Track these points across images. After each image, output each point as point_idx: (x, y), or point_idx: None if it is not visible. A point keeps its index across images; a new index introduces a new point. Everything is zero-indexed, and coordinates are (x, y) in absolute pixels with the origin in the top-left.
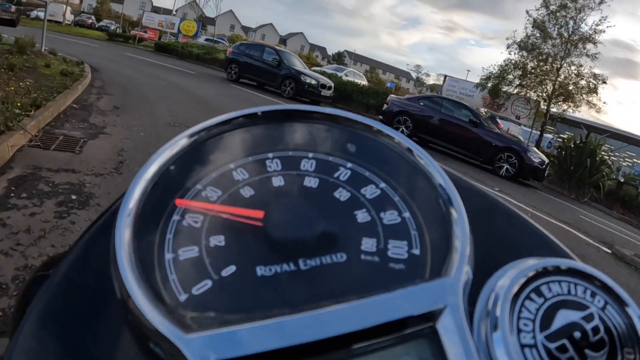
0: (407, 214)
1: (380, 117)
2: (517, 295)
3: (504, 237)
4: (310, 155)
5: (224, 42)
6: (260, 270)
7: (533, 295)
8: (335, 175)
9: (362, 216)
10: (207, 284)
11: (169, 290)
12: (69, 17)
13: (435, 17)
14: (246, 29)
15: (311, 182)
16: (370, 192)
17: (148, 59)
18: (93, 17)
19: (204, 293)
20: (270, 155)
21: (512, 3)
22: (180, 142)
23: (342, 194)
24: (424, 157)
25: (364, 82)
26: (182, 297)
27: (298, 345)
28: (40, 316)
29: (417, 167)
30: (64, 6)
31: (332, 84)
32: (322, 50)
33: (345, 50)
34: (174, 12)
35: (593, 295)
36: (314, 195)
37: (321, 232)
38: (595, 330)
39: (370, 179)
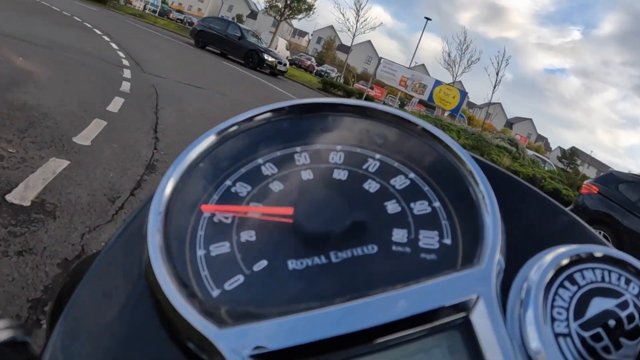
0: (437, 204)
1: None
2: (550, 284)
3: (536, 225)
4: (339, 147)
5: (463, 118)
6: (291, 264)
7: (566, 284)
8: (364, 166)
9: (392, 207)
10: (239, 279)
11: (201, 286)
12: (284, 52)
13: None
14: (470, 105)
15: (340, 174)
16: (399, 182)
17: None
18: (313, 59)
19: (236, 288)
20: (298, 149)
21: None
22: (209, 139)
23: (371, 186)
24: (452, 146)
25: None
26: (215, 293)
27: (331, 338)
28: (71, 319)
29: (446, 156)
30: (276, 39)
31: None
32: (544, 141)
33: (573, 147)
34: None
35: (628, 282)
36: (343, 187)
37: (351, 224)
38: (630, 318)
39: (399, 170)
